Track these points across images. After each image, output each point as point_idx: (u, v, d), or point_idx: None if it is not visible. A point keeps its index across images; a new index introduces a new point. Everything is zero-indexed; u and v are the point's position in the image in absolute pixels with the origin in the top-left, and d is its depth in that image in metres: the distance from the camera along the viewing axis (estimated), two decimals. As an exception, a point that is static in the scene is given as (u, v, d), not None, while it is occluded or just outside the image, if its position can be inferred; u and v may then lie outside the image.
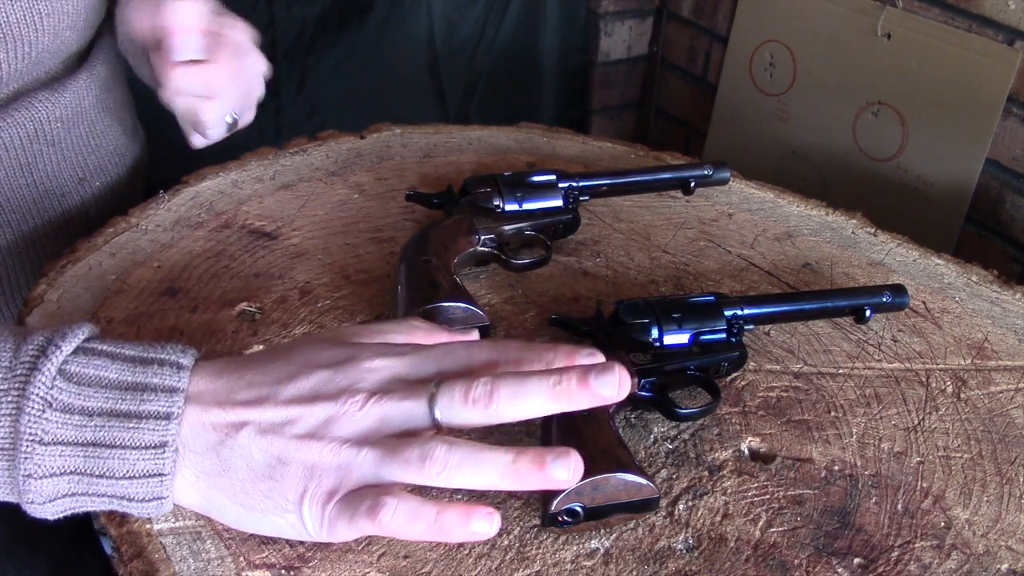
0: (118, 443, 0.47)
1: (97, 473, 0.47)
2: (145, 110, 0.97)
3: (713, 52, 1.63)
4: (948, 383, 0.69)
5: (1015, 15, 1.17)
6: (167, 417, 0.47)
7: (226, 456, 0.48)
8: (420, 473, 0.46)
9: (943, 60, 1.25)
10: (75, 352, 0.48)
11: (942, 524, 0.58)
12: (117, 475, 0.47)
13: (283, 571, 0.52)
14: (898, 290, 0.71)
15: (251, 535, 0.54)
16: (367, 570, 0.53)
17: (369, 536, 0.54)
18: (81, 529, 0.76)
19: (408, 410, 0.48)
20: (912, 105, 1.31)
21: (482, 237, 0.75)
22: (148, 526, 0.54)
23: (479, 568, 0.54)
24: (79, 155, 0.82)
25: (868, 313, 0.69)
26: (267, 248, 0.78)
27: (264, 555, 0.53)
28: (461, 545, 0.55)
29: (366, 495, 0.47)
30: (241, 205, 0.83)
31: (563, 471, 0.46)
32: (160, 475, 0.47)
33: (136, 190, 0.93)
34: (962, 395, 0.68)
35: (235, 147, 0.92)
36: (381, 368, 0.49)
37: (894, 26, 1.30)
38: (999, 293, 0.79)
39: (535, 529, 0.56)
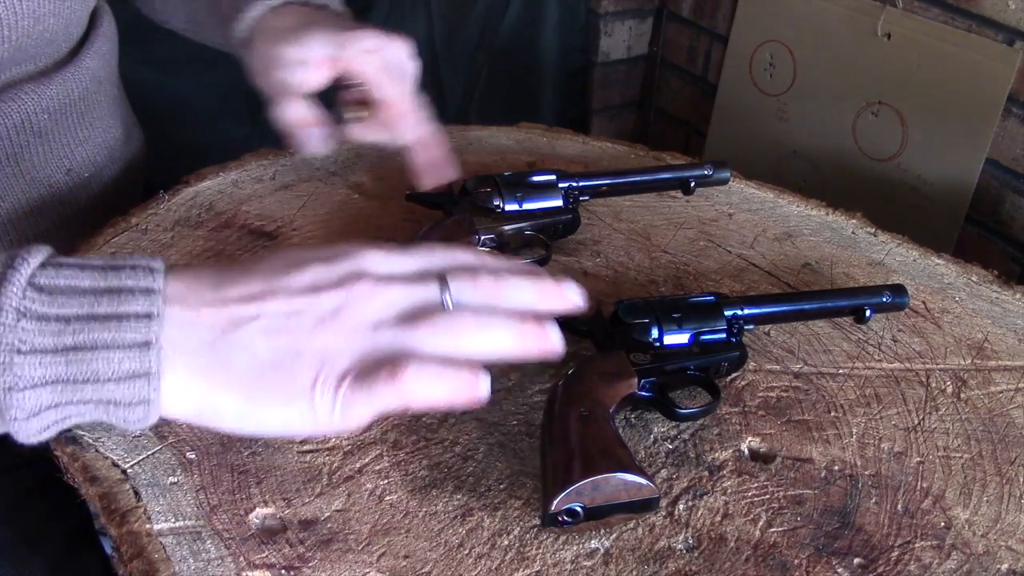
0: (100, 344, 0.45)
1: (81, 378, 0.45)
2: (146, 110, 0.97)
3: (713, 52, 1.63)
4: (948, 383, 0.69)
5: (1015, 15, 1.17)
6: (148, 316, 0.45)
7: (226, 351, 0.46)
8: (452, 334, 0.46)
9: (943, 60, 1.25)
10: (41, 266, 0.46)
11: (942, 524, 0.58)
12: (102, 378, 0.45)
13: (283, 571, 0.52)
14: (898, 290, 0.71)
15: (251, 535, 0.54)
16: (367, 570, 0.53)
17: (369, 536, 0.54)
18: (81, 529, 0.76)
19: (419, 294, 0.47)
20: (912, 105, 1.31)
21: (482, 237, 0.75)
22: (148, 526, 0.54)
23: (479, 568, 0.54)
24: (66, 147, 0.82)
25: (868, 313, 0.69)
26: (267, 248, 0.78)
27: (264, 555, 0.53)
28: (461, 545, 0.55)
29: (382, 365, 0.46)
30: (241, 205, 0.83)
31: (556, 336, 0.50)
32: (147, 375, 0.45)
33: (134, 188, 0.93)
34: (962, 395, 0.68)
35: (235, 147, 0.92)
36: (377, 258, 0.49)
37: (894, 26, 1.30)
38: (999, 293, 0.79)
39: (535, 529, 0.56)
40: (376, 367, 0.46)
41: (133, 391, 0.45)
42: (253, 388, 0.46)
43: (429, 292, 0.48)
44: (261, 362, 0.46)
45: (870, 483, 0.61)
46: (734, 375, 0.68)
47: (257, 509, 0.56)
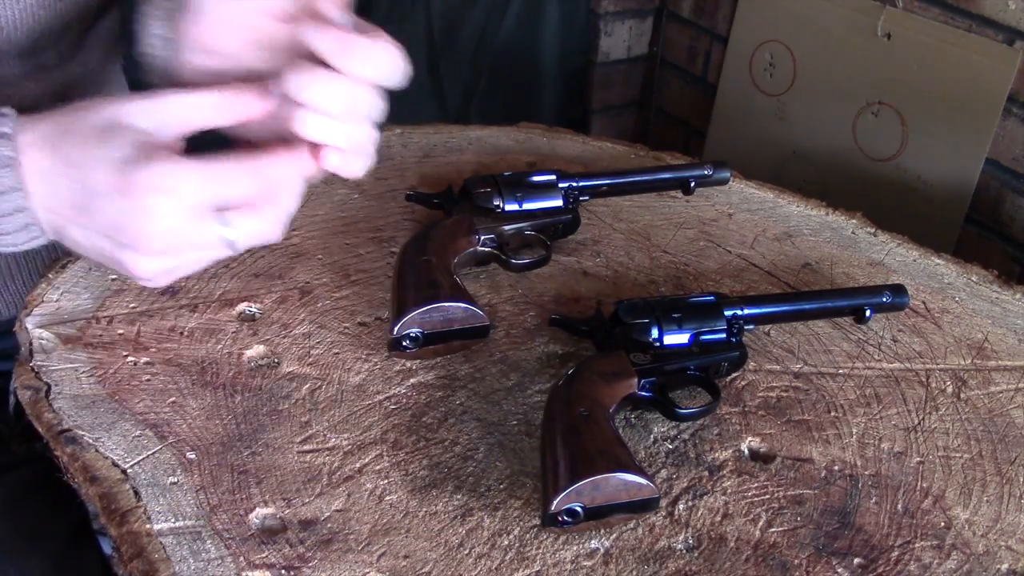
0: None
1: None
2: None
3: (713, 52, 1.63)
4: (948, 383, 0.69)
5: (1015, 15, 1.17)
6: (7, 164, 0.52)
7: (63, 237, 0.56)
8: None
9: (943, 60, 1.25)
10: None
11: (942, 524, 0.58)
12: None
13: (283, 571, 0.52)
14: (898, 290, 0.71)
15: (251, 535, 0.54)
16: (367, 570, 0.53)
17: (369, 536, 0.54)
18: (81, 528, 0.76)
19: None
20: (912, 105, 1.31)
21: (482, 237, 0.75)
22: (148, 526, 0.54)
23: (479, 568, 0.54)
24: None
25: (868, 313, 0.69)
26: (267, 248, 0.78)
27: (264, 555, 0.53)
28: (461, 545, 0.55)
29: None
30: (241, 205, 0.83)
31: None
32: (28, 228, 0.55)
33: None
34: (962, 395, 0.68)
35: (235, 147, 0.92)
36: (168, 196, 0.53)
37: (894, 26, 1.30)
38: (999, 293, 0.79)
39: (535, 529, 0.56)
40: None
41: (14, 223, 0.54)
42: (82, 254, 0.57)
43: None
44: (87, 249, 0.55)
45: (870, 483, 0.61)
46: (734, 375, 0.68)
47: (257, 509, 0.56)
